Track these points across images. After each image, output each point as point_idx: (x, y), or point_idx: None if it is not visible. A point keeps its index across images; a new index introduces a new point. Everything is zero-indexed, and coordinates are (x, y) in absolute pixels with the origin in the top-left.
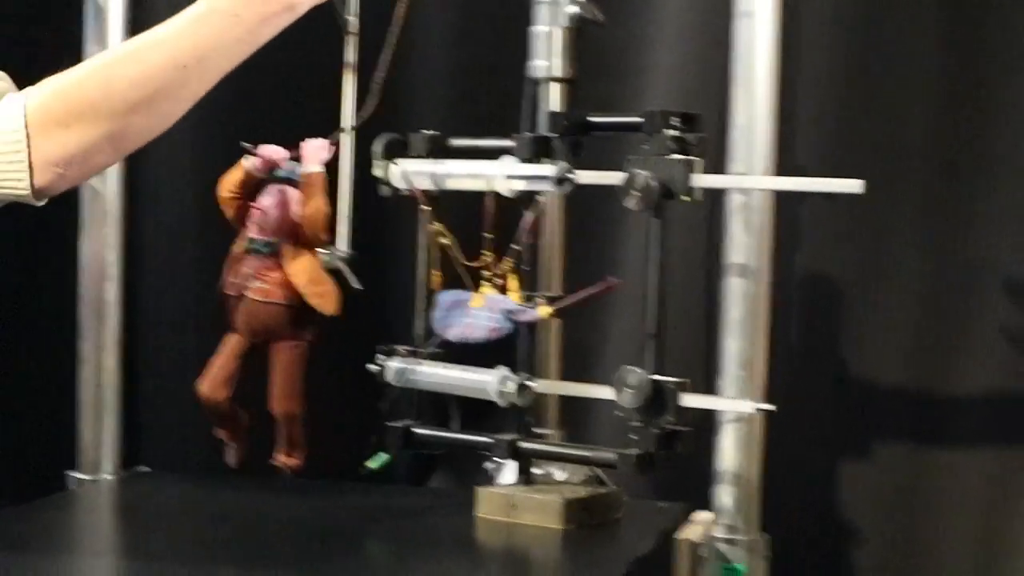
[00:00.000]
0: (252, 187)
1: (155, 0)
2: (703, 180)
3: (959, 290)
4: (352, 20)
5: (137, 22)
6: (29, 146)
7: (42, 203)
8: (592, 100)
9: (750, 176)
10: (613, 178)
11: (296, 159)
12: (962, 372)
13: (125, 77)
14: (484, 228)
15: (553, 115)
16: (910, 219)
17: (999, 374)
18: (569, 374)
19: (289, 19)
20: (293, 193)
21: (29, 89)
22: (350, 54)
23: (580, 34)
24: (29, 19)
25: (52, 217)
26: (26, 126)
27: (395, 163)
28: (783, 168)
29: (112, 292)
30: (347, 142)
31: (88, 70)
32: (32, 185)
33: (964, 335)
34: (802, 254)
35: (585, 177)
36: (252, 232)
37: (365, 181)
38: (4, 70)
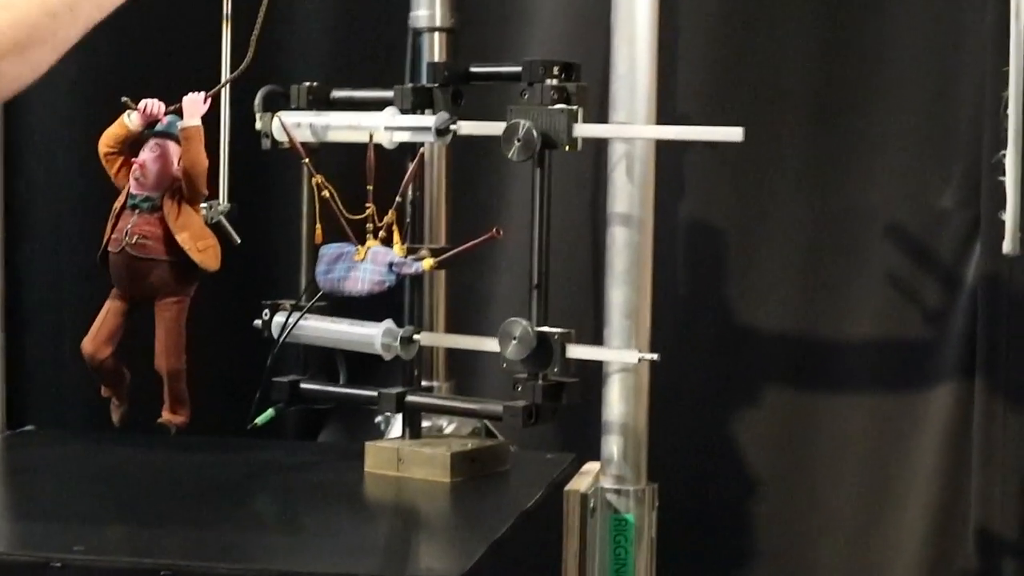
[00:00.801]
0: (132, 142)
1: None
2: (584, 129)
3: (840, 235)
4: None
5: None
6: None
7: None
8: (473, 49)
9: (632, 125)
10: (494, 128)
11: (176, 113)
12: (845, 317)
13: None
14: (366, 180)
15: (433, 65)
16: (791, 165)
17: (881, 318)
18: (456, 325)
19: None
20: (173, 147)
21: None
22: (227, 5)
23: None
24: None
25: None
26: None
27: (276, 115)
28: (665, 117)
29: None
30: (224, 95)
31: None
32: None
33: (846, 279)
34: (685, 202)
35: (466, 127)
36: (133, 188)
37: (246, 133)
38: None
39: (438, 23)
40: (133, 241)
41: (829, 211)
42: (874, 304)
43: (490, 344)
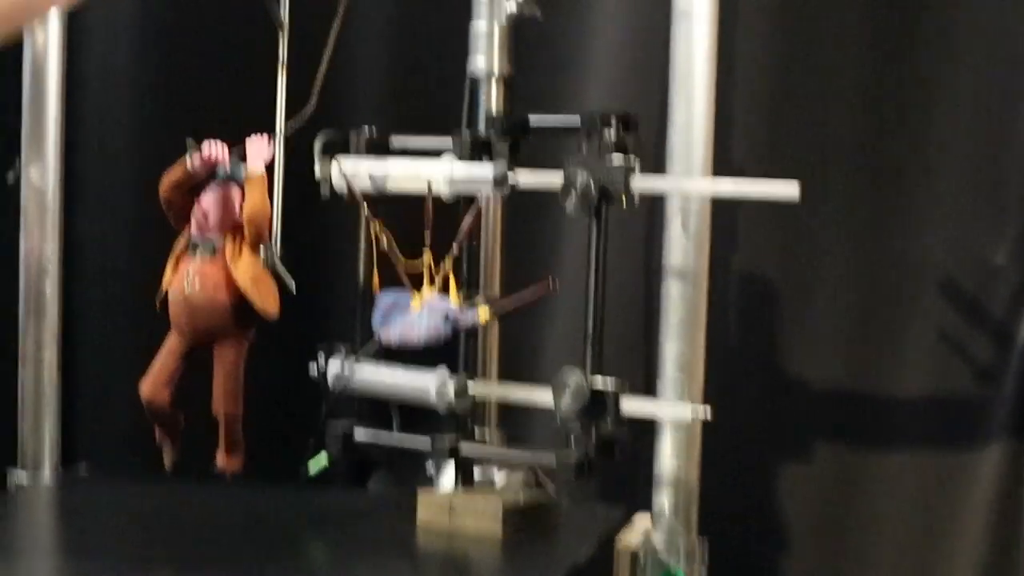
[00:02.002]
0: (193, 185)
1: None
2: (642, 183)
3: (892, 289)
4: (284, 17)
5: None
6: None
7: None
8: (531, 97)
9: (688, 179)
10: (552, 180)
11: (239, 156)
12: (895, 372)
13: None
14: (423, 228)
15: (492, 115)
16: (843, 218)
17: (931, 374)
18: (509, 373)
19: None
20: (235, 192)
21: None
22: (283, 51)
23: (519, 31)
24: None
25: None
26: None
27: (335, 161)
28: (720, 168)
29: (51, 289)
30: (279, 141)
31: None
32: None
33: (898, 334)
34: (739, 255)
35: (524, 178)
36: (194, 231)
37: (306, 177)
38: None
39: (496, 71)
40: (194, 284)
41: (881, 265)
42: (925, 360)
43: (544, 395)
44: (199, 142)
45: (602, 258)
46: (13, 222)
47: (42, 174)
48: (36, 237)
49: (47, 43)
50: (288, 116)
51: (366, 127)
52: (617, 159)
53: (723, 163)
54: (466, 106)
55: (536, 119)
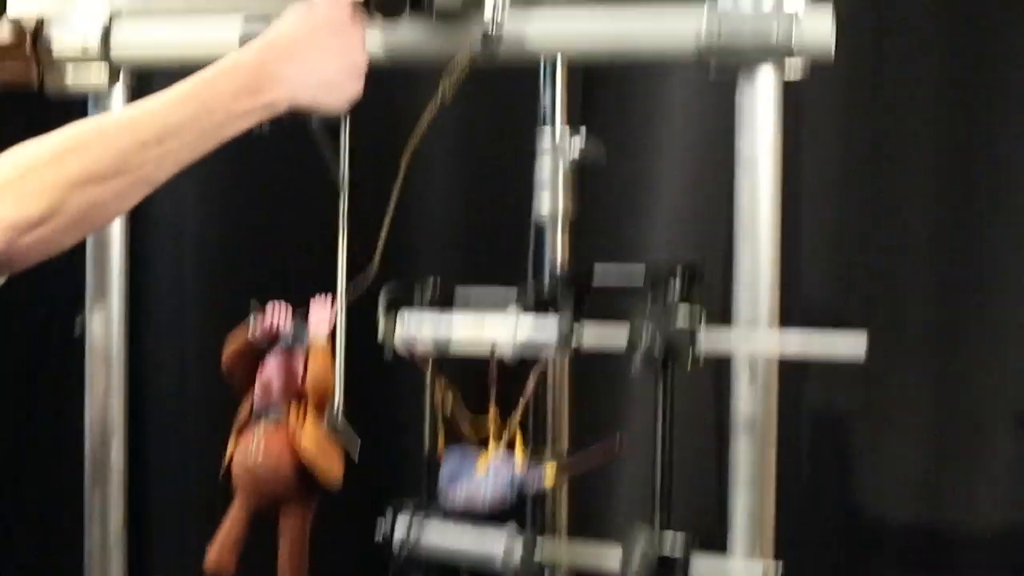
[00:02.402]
0: (255, 353)
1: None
2: (709, 340)
3: (968, 424)
4: (344, 176)
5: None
6: None
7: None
8: (596, 242)
9: (755, 334)
10: (617, 336)
11: (302, 318)
12: (972, 509)
13: (86, 154)
14: (488, 385)
15: (556, 268)
16: (916, 354)
17: (1010, 513)
18: (578, 527)
19: (264, 116)
20: (298, 357)
21: None
22: (343, 211)
23: (583, 177)
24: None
25: (55, 369)
26: None
27: (399, 319)
28: (786, 314)
29: (117, 449)
30: (341, 304)
31: (52, 143)
32: None
33: (974, 471)
34: (808, 399)
35: (589, 335)
36: (257, 399)
37: (370, 335)
38: None
39: (560, 216)
40: (258, 454)
41: (956, 400)
42: (1003, 497)
43: (613, 555)
44: (262, 303)
45: (669, 414)
46: (78, 379)
47: (107, 334)
48: (101, 396)
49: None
50: (351, 275)
51: (430, 280)
52: (683, 312)
53: (790, 306)
54: (531, 253)
55: (601, 270)
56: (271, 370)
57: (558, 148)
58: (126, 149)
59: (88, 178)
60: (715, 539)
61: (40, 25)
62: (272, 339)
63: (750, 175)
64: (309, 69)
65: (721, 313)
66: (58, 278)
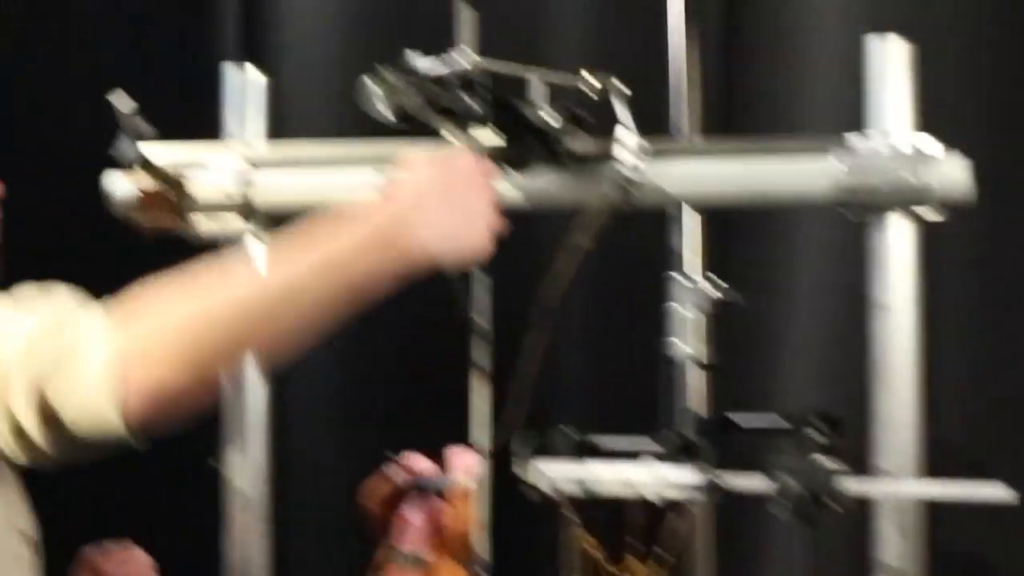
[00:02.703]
0: (396, 498)
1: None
2: (850, 486)
3: None
4: (480, 322)
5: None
6: (117, 376)
7: (135, 441)
8: (730, 386)
9: (898, 481)
10: (758, 484)
11: (443, 468)
12: None
13: (219, 322)
14: (628, 532)
15: (696, 416)
16: None
17: None
18: None
19: (397, 271)
20: (439, 504)
21: (115, 313)
22: (479, 356)
23: (718, 317)
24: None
25: (198, 514)
26: (112, 355)
27: (539, 465)
28: (927, 459)
29: None
30: (481, 453)
31: (181, 304)
32: (122, 417)
33: None
34: (952, 547)
35: (731, 482)
36: (397, 543)
37: (509, 484)
38: None
39: (695, 356)
40: None
41: None
42: None
43: None
44: (400, 452)
45: (812, 561)
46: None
47: (246, 473)
48: (242, 538)
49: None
50: (489, 424)
51: (569, 428)
52: (824, 462)
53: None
54: (667, 398)
55: (740, 419)
56: (412, 515)
57: (692, 294)
58: (257, 314)
59: (222, 349)
60: None
61: (182, 173)
62: (413, 485)
63: (886, 322)
64: (440, 221)
65: (860, 461)
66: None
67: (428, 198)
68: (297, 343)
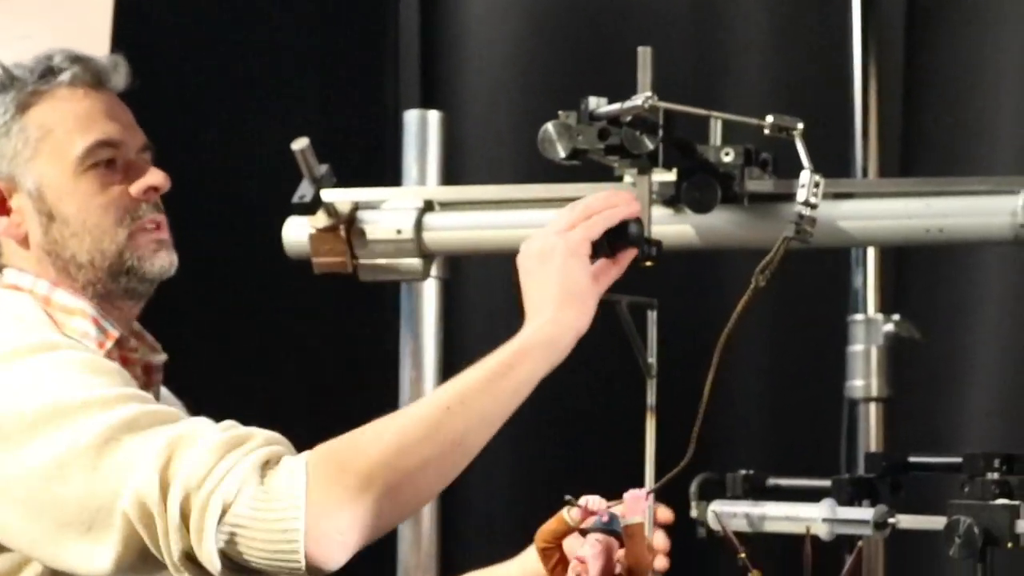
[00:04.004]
0: (572, 539)
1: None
2: None
3: None
4: (652, 363)
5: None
6: (306, 517)
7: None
8: (909, 423)
9: None
10: (934, 523)
11: (618, 510)
12: None
13: (405, 443)
14: (803, 567)
15: (871, 455)
16: None
17: None
18: None
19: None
20: (613, 543)
21: (308, 455)
22: (651, 397)
23: (897, 353)
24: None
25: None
26: (306, 496)
27: (711, 504)
28: None
29: None
30: (651, 492)
31: (370, 436)
32: (305, 558)
33: None
34: None
35: (906, 522)
36: None
37: (682, 522)
38: None
39: (874, 393)
40: None
41: None
42: None
43: None
44: (576, 497)
45: None
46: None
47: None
48: None
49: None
50: (665, 461)
51: (742, 471)
52: (1001, 502)
53: None
54: (844, 433)
55: (917, 459)
56: (587, 554)
57: (871, 331)
58: (442, 428)
59: (416, 470)
60: None
61: (355, 210)
62: (589, 525)
63: None
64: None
65: None
66: None
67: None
68: (469, 447)
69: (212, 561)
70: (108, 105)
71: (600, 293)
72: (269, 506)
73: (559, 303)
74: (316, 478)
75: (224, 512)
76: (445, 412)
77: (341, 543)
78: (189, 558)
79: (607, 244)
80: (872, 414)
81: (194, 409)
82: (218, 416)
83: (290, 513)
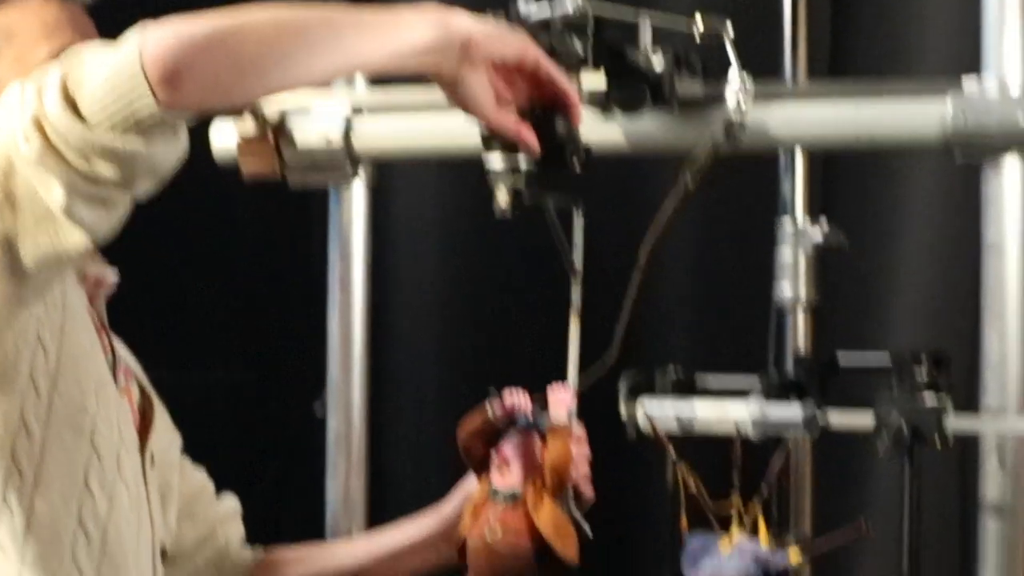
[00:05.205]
0: (492, 434)
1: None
2: (956, 425)
3: None
4: (578, 264)
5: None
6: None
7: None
8: (837, 327)
9: (1005, 419)
10: (862, 421)
11: (540, 406)
12: None
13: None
14: (731, 470)
15: (800, 358)
16: None
17: None
18: None
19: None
20: (536, 440)
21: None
22: (576, 297)
23: (824, 260)
24: None
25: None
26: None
27: (640, 404)
28: None
29: (358, 530)
30: (574, 389)
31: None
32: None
33: None
34: None
35: (835, 419)
36: (495, 480)
37: (608, 423)
38: None
39: (802, 299)
40: (497, 534)
41: None
42: None
43: None
44: (500, 391)
45: (916, 499)
46: (319, 463)
47: (347, 415)
48: (342, 479)
49: (351, 305)
50: (592, 360)
51: (671, 367)
52: (929, 399)
53: None
54: (772, 337)
55: (845, 358)
56: (509, 451)
57: (799, 236)
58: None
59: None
60: None
61: (283, 119)
62: (510, 420)
63: (997, 262)
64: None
65: (967, 401)
66: (299, 362)
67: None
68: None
69: (56, 112)
70: (75, 16)
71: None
72: (102, 56)
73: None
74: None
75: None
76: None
77: (179, 52)
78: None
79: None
80: (800, 319)
81: (130, 341)
82: (139, 324)
83: (125, 48)
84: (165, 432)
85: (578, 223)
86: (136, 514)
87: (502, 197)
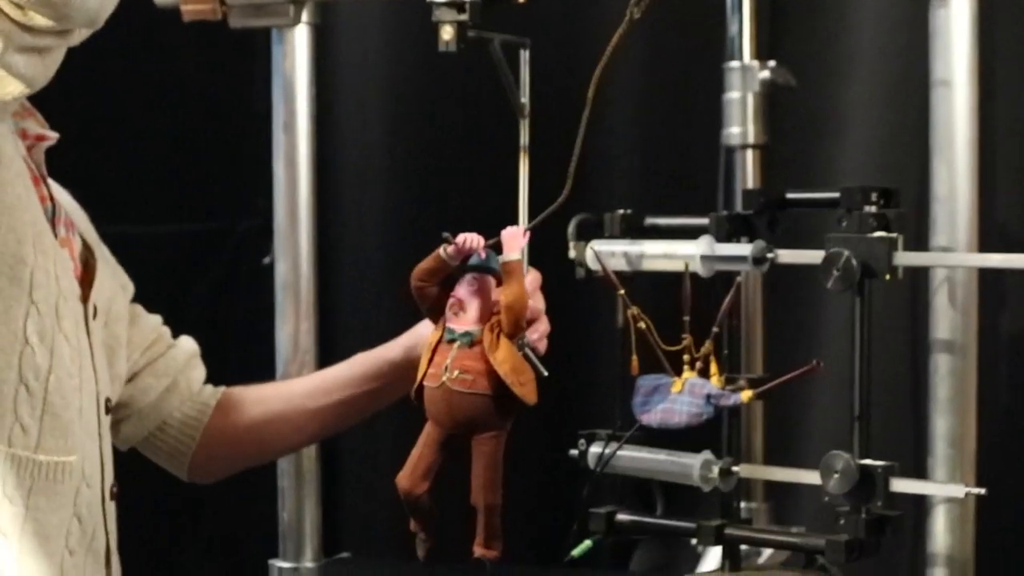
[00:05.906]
0: (446, 276)
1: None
2: (905, 258)
3: None
4: (525, 103)
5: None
6: None
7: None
8: (785, 166)
9: (954, 253)
10: (812, 257)
11: (493, 247)
12: None
13: None
14: (682, 310)
15: (749, 192)
16: None
17: None
18: (774, 454)
19: None
20: (491, 282)
21: None
22: (524, 137)
23: (773, 100)
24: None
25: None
26: None
27: (589, 245)
28: (984, 236)
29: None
30: (525, 229)
31: None
32: None
33: None
34: (1008, 319)
35: (784, 256)
36: (450, 322)
37: (560, 263)
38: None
39: (751, 140)
40: (453, 376)
41: None
42: None
43: (810, 477)
44: (453, 234)
45: (866, 335)
46: (268, 317)
47: (295, 268)
48: (292, 330)
49: (296, 149)
50: (540, 203)
51: (620, 210)
52: (879, 234)
53: (989, 231)
54: (721, 179)
55: (794, 195)
56: (463, 293)
57: (746, 76)
58: None
59: None
60: (912, 464)
61: None
62: (464, 260)
63: (945, 97)
64: None
65: (916, 239)
66: (247, 211)
67: None
68: None
69: None
70: None
71: None
72: None
73: None
74: None
75: None
76: None
77: None
78: None
79: None
80: (749, 160)
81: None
82: (81, 173)
83: None
84: (110, 282)
85: (524, 60)
86: (78, 367)
87: (446, 32)
